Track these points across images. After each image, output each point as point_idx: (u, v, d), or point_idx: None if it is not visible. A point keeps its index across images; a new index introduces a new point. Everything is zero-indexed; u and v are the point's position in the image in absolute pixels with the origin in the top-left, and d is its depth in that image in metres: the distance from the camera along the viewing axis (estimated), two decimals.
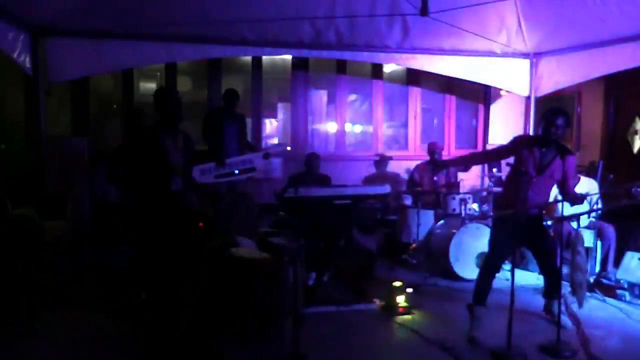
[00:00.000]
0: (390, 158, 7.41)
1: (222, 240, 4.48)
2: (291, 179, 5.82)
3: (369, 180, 7.20)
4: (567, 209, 5.52)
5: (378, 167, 7.35)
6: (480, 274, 4.28)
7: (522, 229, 3.89)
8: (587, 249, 5.45)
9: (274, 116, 8.08)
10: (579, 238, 4.07)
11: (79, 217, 5.67)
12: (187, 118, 6.82)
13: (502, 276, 4.42)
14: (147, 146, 3.58)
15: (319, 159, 6.25)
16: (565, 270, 4.38)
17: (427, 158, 6.62)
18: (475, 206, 6.00)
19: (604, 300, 4.90)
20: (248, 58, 7.03)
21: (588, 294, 5.07)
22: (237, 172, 5.74)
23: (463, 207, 5.79)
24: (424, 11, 4.85)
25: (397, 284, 4.66)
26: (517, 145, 4.16)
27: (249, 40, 5.90)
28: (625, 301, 4.86)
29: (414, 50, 6.35)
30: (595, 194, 5.35)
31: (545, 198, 4.16)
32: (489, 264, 4.22)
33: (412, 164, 6.85)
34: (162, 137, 3.60)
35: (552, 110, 4.02)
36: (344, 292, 4.98)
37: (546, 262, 4.25)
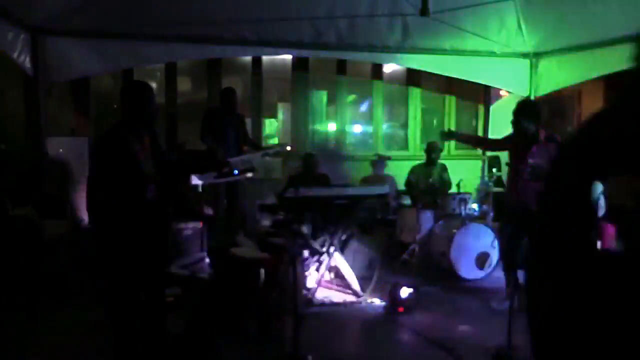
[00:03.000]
0: (389, 158, 7.39)
1: (222, 240, 4.49)
2: (291, 179, 5.82)
3: (365, 182, 7.18)
4: None
5: (375, 168, 7.34)
6: (504, 272, 4.42)
7: (519, 220, 4.10)
8: None
9: (274, 116, 8.08)
10: None
11: (79, 217, 5.66)
12: (187, 118, 6.91)
13: (502, 276, 4.43)
14: (114, 153, 3.05)
15: (317, 158, 6.26)
16: None
17: (425, 158, 6.64)
18: (475, 206, 6.00)
19: None
20: (248, 58, 7.03)
21: None
22: (236, 172, 5.72)
23: (463, 207, 5.79)
24: (424, 11, 4.85)
25: (397, 283, 4.66)
26: (507, 138, 4.44)
27: (249, 40, 5.89)
28: None
29: (414, 50, 6.35)
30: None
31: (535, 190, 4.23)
32: (503, 260, 4.34)
33: (412, 164, 6.85)
34: (129, 141, 3.08)
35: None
36: (344, 292, 4.99)
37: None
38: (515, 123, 4.23)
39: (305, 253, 4.65)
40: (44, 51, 5.30)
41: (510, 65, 6.64)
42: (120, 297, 3.20)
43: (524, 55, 6.55)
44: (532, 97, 6.69)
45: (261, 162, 6.02)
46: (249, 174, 5.84)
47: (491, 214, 6.08)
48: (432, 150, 6.49)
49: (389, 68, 7.57)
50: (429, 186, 6.35)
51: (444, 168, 6.59)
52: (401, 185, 6.87)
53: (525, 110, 4.20)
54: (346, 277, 4.93)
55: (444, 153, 6.86)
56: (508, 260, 4.35)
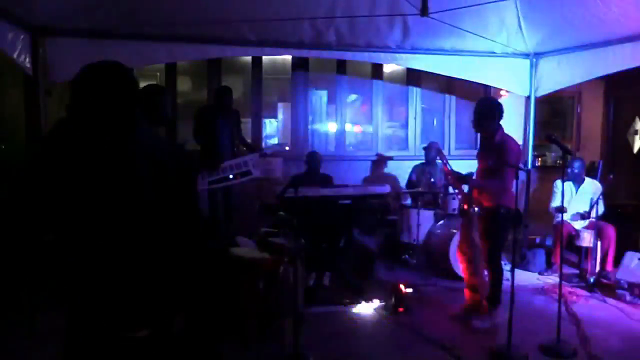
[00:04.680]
0: (391, 158, 7.40)
1: (222, 240, 4.48)
2: (293, 179, 5.82)
3: (366, 182, 7.20)
4: (571, 210, 5.55)
5: (376, 168, 7.34)
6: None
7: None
8: (587, 249, 5.47)
9: (274, 116, 8.09)
10: None
11: None
12: (187, 118, 6.90)
13: (503, 276, 4.44)
14: None
15: (320, 158, 6.26)
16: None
17: (425, 157, 6.67)
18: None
19: (604, 300, 4.90)
20: (248, 58, 7.03)
21: (588, 294, 5.08)
22: (231, 176, 5.59)
23: None
24: (424, 11, 4.85)
25: (397, 283, 4.66)
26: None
27: (249, 40, 5.89)
28: (625, 301, 4.86)
29: (414, 50, 6.35)
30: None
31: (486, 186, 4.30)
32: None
33: (412, 164, 6.87)
34: None
35: None
36: (344, 292, 4.99)
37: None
38: (474, 123, 4.32)
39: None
40: (44, 51, 5.30)
41: (510, 65, 6.64)
42: None
43: (524, 55, 6.55)
44: (532, 97, 6.70)
45: (261, 162, 5.99)
46: (245, 178, 5.76)
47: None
48: (428, 150, 6.56)
49: (389, 68, 7.57)
50: (430, 186, 6.36)
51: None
52: (403, 186, 6.90)
53: (483, 109, 4.27)
54: (346, 276, 4.93)
55: (445, 153, 6.84)
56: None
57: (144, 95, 3.41)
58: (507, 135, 4.28)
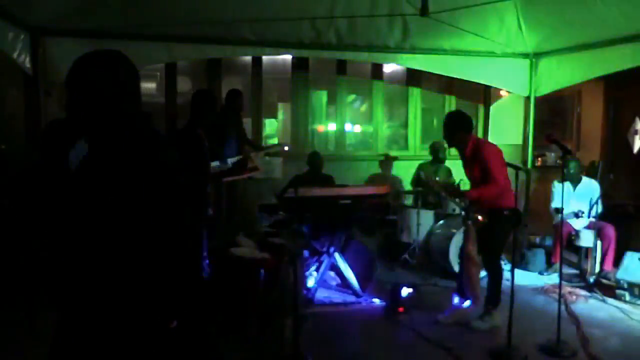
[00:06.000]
0: (396, 158, 7.38)
1: (222, 240, 4.48)
2: (296, 178, 5.81)
3: (371, 182, 7.19)
4: (568, 209, 5.55)
5: (382, 168, 7.34)
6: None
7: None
8: (587, 249, 5.47)
9: (274, 116, 8.09)
10: None
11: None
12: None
13: (503, 276, 4.44)
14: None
15: (321, 158, 6.26)
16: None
17: (432, 156, 6.65)
18: None
19: (604, 300, 4.90)
20: (248, 58, 7.03)
21: (588, 294, 5.08)
22: (229, 162, 5.58)
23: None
24: (424, 11, 4.85)
25: (397, 284, 4.67)
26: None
27: (249, 40, 5.89)
28: (625, 301, 4.86)
29: (414, 50, 6.35)
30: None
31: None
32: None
33: (412, 164, 6.86)
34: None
35: None
36: (343, 292, 4.99)
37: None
38: (447, 138, 4.27)
39: (305, 253, 4.65)
40: (44, 51, 5.30)
41: (510, 65, 6.64)
42: None
43: (524, 55, 6.55)
44: (532, 97, 6.69)
45: (261, 162, 6.00)
46: (252, 173, 5.78)
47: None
48: (438, 149, 6.53)
49: (389, 68, 7.57)
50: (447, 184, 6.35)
51: (449, 170, 6.60)
52: (407, 186, 6.89)
53: (448, 124, 4.22)
54: (346, 277, 4.93)
55: (445, 153, 6.84)
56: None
57: (192, 99, 3.74)
58: (480, 140, 4.26)
